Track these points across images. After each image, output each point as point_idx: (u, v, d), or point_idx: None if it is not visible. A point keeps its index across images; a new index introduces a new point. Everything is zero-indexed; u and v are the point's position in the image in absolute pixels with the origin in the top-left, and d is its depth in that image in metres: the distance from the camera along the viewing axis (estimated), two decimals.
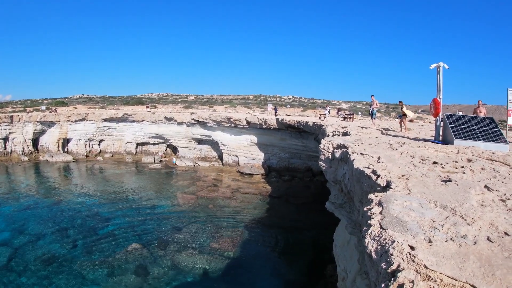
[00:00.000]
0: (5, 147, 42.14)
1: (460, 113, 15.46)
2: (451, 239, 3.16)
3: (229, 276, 15.31)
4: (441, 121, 11.84)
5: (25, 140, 42.79)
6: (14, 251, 17.23)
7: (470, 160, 7.53)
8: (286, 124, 31.81)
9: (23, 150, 42.49)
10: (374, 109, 20.74)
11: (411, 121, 36.29)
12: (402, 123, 17.19)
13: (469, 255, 2.84)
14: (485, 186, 5.13)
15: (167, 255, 16.99)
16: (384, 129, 18.32)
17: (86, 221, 21.58)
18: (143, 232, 20.02)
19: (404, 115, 17.25)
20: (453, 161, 7.34)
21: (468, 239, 3.17)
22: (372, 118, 21.35)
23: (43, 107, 50.87)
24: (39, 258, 16.49)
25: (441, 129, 11.86)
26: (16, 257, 16.68)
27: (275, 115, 37.20)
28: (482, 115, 13.81)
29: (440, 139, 11.73)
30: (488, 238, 3.20)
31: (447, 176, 5.82)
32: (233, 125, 37.17)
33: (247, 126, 36.36)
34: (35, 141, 44.25)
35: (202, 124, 40.45)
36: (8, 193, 27.95)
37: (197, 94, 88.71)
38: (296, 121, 30.24)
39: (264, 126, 34.44)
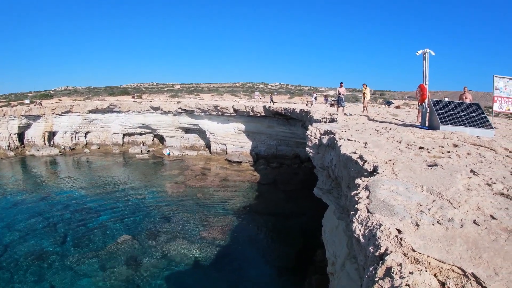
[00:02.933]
0: None
1: (446, 99, 15.59)
2: (438, 222, 3.18)
3: (219, 264, 15.39)
4: (428, 107, 11.94)
5: (10, 135, 41.55)
6: (4, 248, 16.85)
7: (456, 145, 7.62)
8: (273, 111, 31.73)
9: (8, 145, 41.28)
10: (342, 96, 18.99)
11: (397, 107, 36.70)
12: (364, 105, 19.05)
13: (456, 238, 2.86)
14: (471, 171, 5.18)
15: (158, 246, 16.96)
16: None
17: (75, 215, 21.28)
18: (132, 223, 19.90)
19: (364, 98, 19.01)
20: (439, 146, 7.41)
21: (455, 222, 3.19)
22: (339, 107, 19.29)
23: (27, 101, 49.19)
24: (29, 254, 16.21)
25: (427, 115, 11.97)
26: (6, 254, 16.36)
27: (271, 103, 36.08)
28: (468, 101, 13.94)
29: (427, 124, 11.86)
30: (474, 222, 3.23)
31: (434, 161, 5.87)
32: (220, 113, 36.89)
33: (234, 114, 36.12)
34: (21, 136, 42.99)
35: (189, 113, 40.03)
36: None
37: (183, 83, 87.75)
38: (283, 108, 30.17)
39: (251, 114, 34.26)
